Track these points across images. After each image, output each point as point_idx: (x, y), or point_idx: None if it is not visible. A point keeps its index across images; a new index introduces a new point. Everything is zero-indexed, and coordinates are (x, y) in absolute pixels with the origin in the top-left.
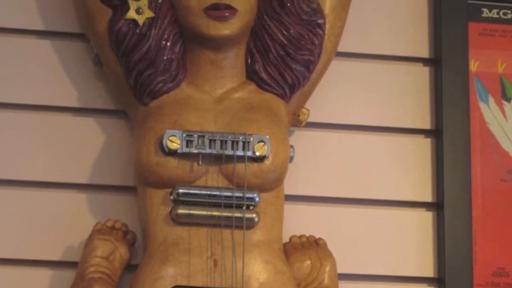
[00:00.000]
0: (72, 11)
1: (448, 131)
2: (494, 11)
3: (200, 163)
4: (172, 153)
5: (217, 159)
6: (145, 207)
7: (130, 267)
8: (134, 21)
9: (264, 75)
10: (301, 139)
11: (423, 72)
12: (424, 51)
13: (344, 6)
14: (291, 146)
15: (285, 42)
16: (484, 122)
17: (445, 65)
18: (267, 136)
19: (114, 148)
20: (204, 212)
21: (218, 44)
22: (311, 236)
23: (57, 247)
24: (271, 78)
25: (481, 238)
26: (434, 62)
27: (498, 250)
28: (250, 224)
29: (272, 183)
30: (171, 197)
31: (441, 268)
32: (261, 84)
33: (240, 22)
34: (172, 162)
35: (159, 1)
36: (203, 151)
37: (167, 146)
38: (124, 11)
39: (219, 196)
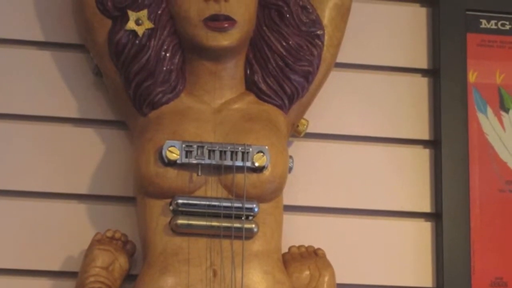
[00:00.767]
0: (72, 22)
1: (447, 141)
2: (493, 22)
3: (200, 173)
4: (172, 163)
5: (216, 170)
6: (144, 218)
7: (130, 277)
8: (133, 32)
9: (263, 86)
10: (300, 149)
11: (422, 83)
12: (422, 62)
13: (343, 17)
14: (290, 157)
15: (284, 53)
16: (483, 132)
17: (444, 75)
18: (266, 147)
19: (113, 158)
20: (204, 223)
21: (217, 55)
22: (310, 246)
23: (57, 257)
24: (270, 89)
25: (480, 248)
26: (432, 72)
27: (496, 260)
28: (249, 234)
29: (271, 194)
30: (171, 208)
31: (439, 278)
32: (260, 95)
33: (239, 33)
34: (172, 172)
35: (159, 12)
36: (203, 162)
37: (166, 157)
38: (124, 22)
39: (219, 206)
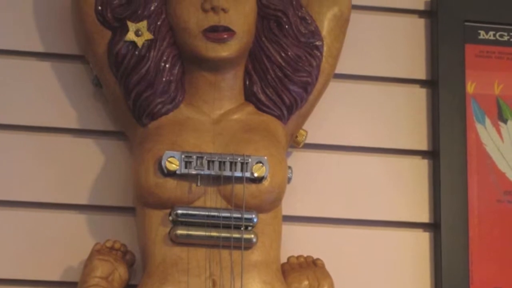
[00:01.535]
0: (72, 33)
1: (445, 152)
2: (491, 33)
3: (199, 184)
4: (171, 174)
5: (216, 180)
6: (144, 228)
7: (129, 287)
8: (133, 43)
9: (262, 97)
10: (299, 160)
11: (420, 94)
12: (421, 73)
13: (341, 28)
14: (289, 167)
15: (283, 63)
16: (481, 143)
17: (442, 86)
18: (265, 157)
19: (113, 169)
20: (203, 233)
21: (216, 66)
22: (308, 257)
23: (56, 268)
24: (269, 100)
25: (478, 258)
26: (431, 83)
27: (494, 270)
28: (248, 245)
29: (270, 204)
30: (170, 218)
31: None
32: (259, 106)
33: (239, 44)
34: (171, 183)
35: (158, 23)
36: (202, 172)
37: (166, 167)
38: (123, 33)
39: (218, 216)
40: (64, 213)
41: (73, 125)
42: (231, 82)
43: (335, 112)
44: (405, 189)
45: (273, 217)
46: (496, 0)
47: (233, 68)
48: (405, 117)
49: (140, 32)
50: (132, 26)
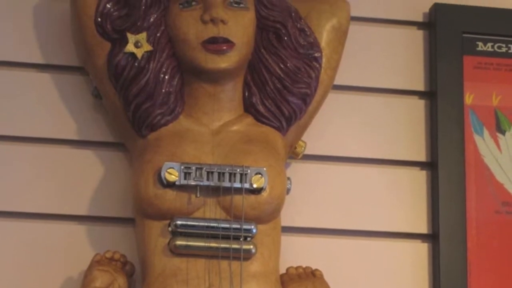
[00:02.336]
0: (72, 44)
1: (444, 163)
2: (489, 44)
3: (198, 195)
4: (170, 185)
5: (215, 191)
6: (143, 239)
7: None
8: (132, 55)
9: (261, 108)
10: (298, 171)
11: (419, 105)
12: (419, 84)
13: (340, 40)
14: (288, 178)
15: (282, 75)
16: (479, 154)
17: (441, 98)
18: (265, 169)
19: (112, 180)
20: (202, 244)
21: (215, 77)
22: (307, 267)
23: (56, 278)
24: (268, 111)
25: (476, 269)
26: (429, 95)
27: (493, 281)
28: (248, 256)
29: (269, 215)
30: (169, 229)
31: None
32: (259, 117)
33: (238, 56)
34: (170, 194)
35: (158, 34)
36: (201, 183)
37: (165, 178)
38: (123, 44)
39: (217, 227)
40: (64, 224)
41: (73, 136)
42: (230, 94)
43: (334, 124)
44: (403, 200)
45: (272, 228)
46: (494, 12)
47: (232, 80)
48: (403, 128)
49: (139, 44)
50: (131, 38)
